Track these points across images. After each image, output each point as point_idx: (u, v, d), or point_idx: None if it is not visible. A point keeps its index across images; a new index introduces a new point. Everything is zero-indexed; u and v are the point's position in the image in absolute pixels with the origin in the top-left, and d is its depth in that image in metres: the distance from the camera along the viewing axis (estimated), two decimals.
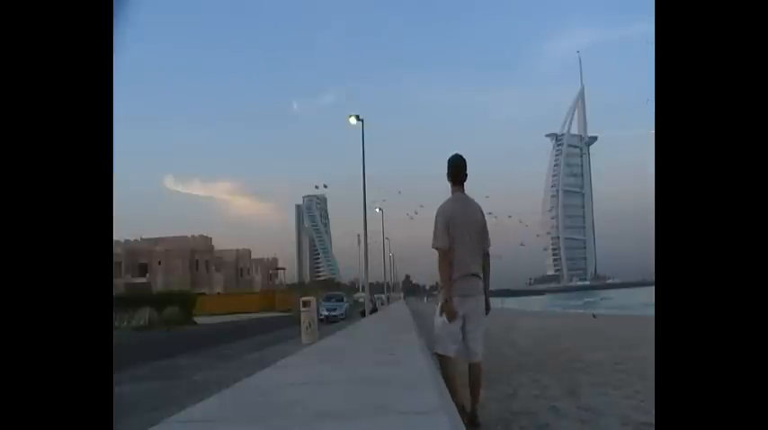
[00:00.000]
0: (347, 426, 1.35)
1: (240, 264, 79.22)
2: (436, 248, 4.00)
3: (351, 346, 3.90)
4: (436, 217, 4.10)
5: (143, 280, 64.26)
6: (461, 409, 3.55)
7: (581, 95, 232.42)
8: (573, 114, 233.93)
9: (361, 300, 36.25)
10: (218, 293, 61.43)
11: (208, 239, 74.70)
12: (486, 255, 4.17)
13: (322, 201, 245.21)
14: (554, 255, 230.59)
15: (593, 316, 25.11)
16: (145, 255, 69.47)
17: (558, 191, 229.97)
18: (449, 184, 4.20)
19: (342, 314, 27.73)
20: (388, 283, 63.19)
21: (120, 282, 54.75)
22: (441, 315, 3.99)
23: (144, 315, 27.91)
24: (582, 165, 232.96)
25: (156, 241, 70.86)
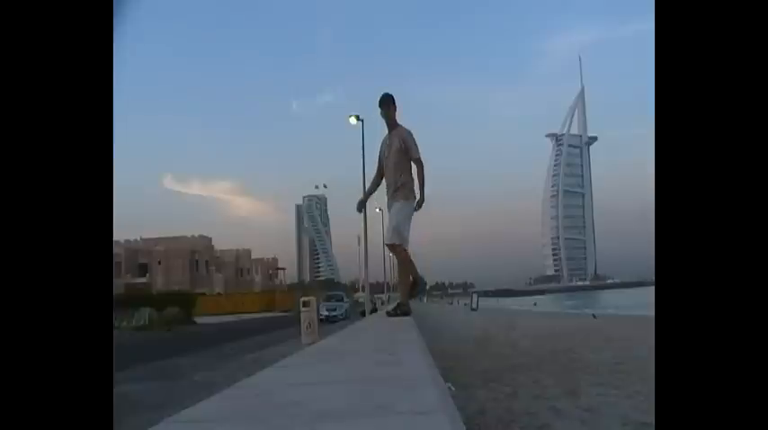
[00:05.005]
0: (347, 426, 1.35)
1: (240, 264, 79.13)
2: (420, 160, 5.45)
3: (351, 346, 3.90)
4: (412, 136, 5.47)
5: (143, 280, 64.21)
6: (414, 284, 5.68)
7: (581, 95, 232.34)
8: (573, 114, 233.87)
9: (361, 300, 36.19)
10: (219, 293, 61.40)
11: (208, 239, 74.65)
12: None
13: (322, 201, 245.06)
14: (554, 255, 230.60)
15: (593, 316, 25.14)
16: (145, 255, 69.42)
17: (558, 191, 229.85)
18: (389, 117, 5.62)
19: (342, 314, 27.66)
20: (388, 283, 63.09)
21: (120, 282, 54.70)
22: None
23: (144, 315, 27.88)
24: (582, 165, 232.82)
25: (156, 241, 70.81)
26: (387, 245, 5.55)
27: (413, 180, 5.47)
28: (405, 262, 5.63)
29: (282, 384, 2.14)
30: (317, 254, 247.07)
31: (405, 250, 5.51)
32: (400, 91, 5.87)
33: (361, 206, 6.50)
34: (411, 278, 5.69)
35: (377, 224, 25.55)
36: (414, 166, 5.47)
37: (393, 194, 5.50)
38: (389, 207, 5.55)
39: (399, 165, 5.47)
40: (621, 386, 5.55)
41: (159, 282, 63.02)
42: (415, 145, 5.45)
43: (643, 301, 25.44)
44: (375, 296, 43.25)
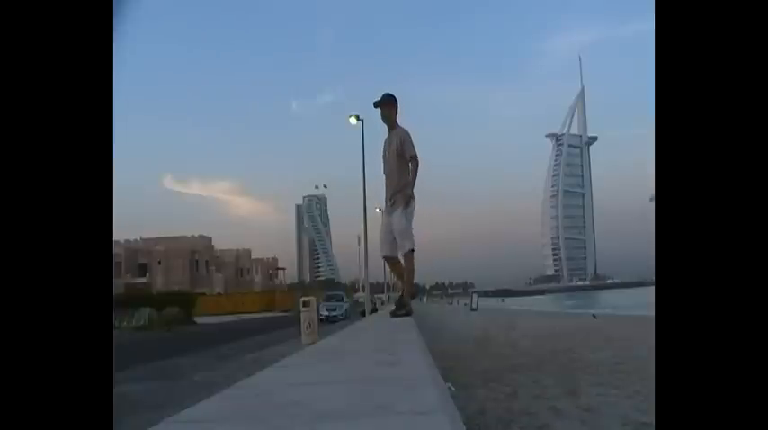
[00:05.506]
0: (347, 426, 1.35)
1: (240, 264, 79.11)
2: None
3: (351, 346, 3.90)
4: (409, 136, 5.58)
5: (143, 280, 64.20)
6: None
7: (581, 95, 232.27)
8: (573, 114, 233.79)
9: (361, 300, 36.19)
10: (219, 293, 61.39)
11: (208, 239, 74.64)
12: None
13: (322, 201, 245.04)
14: (554, 255, 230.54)
15: (593, 316, 25.15)
16: (145, 255, 69.40)
17: (558, 191, 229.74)
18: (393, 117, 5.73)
19: (342, 314, 27.63)
20: (387, 283, 63.09)
21: (120, 282, 54.68)
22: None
23: (144, 315, 27.90)
24: (582, 165, 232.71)
25: (156, 241, 70.80)
26: (404, 253, 5.60)
27: (410, 184, 5.53)
28: (412, 271, 5.81)
29: (282, 384, 2.14)
30: (317, 254, 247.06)
31: (413, 257, 5.67)
32: (400, 91, 5.90)
33: None
34: (408, 288, 6.00)
35: (377, 224, 25.50)
36: (410, 166, 5.56)
37: (392, 199, 5.60)
38: (389, 213, 5.63)
39: (399, 169, 5.60)
40: (621, 386, 5.55)
41: (159, 282, 62.99)
42: (411, 143, 5.56)
43: (643, 301, 25.43)
44: (375, 296, 43.25)
